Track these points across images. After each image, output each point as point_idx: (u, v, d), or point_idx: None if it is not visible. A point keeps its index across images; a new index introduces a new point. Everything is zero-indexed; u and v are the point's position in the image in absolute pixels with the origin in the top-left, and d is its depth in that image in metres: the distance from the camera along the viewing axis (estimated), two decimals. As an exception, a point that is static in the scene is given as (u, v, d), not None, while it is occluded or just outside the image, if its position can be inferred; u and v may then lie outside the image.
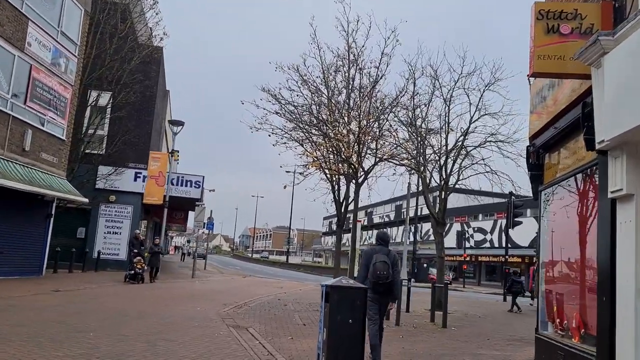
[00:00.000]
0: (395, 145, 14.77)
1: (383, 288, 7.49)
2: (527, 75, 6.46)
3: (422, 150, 16.62)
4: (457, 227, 56.38)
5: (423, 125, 16.69)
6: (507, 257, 30.69)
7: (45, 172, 18.69)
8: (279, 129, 15.33)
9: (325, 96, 15.32)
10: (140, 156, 26.88)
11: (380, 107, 14.34)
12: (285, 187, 14.79)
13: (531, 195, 17.99)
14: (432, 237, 23.99)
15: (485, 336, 11.91)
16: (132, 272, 20.46)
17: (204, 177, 28.79)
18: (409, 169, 16.31)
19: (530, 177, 8.80)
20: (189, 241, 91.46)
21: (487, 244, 53.03)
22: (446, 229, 57.99)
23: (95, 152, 25.64)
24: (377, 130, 14.22)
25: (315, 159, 14.75)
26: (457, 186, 17.81)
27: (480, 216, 55.54)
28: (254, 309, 14.69)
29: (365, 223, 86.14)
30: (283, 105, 15.41)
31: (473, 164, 17.13)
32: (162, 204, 25.15)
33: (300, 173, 16.31)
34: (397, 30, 15.28)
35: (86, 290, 16.46)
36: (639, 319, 4.95)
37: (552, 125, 7.49)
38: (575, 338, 6.78)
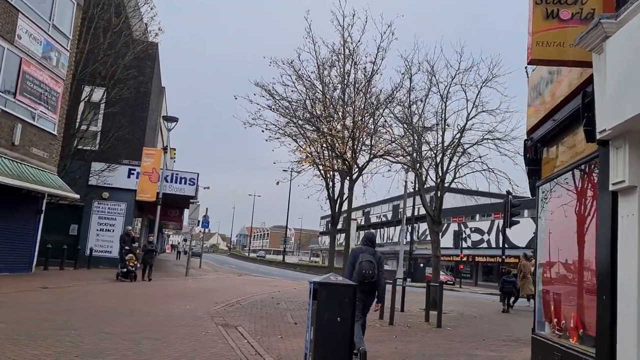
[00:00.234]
0: (390, 142, 14.49)
1: (368, 287, 7.61)
2: (526, 65, 6.19)
3: (418, 147, 16.35)
4: (454, 227, 56.14)
5: (419, 122, 16.43)
6: (504, 257, 30.42)
7: (36, 167, 18.38)
8: (273, 124, 15.06)
9: (319, 91, 15.05)
10: (134, 153, 26.58)
11: (375, 103, 14.05)
12: (277, 183, 14.49)
13: (528, 194, 17.78)
14: (429, 237, 23.82)
15: (481, 336, 11.64)
16: (125, 269, 20.14)
17: (198, 174, 28.53)
18: (404, 166, 16.03)
19: (527, 172, 8.53)
20: (185, 239, 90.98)
21: (484, 244, 52.83)
22: (443, 228, 57.80)
23: (88, 148, 25.32)
24: (372, 126, 13.93)
25: (309, 155, 14.46)
26: (453, 185, 17.54)
27: (477, 216, 55.33)
28: (245, 307, 14.41)
29: (363, 223, 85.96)
30: (277, 101, 15.13)
31: (470, 161, 16.87)
32: (155, 201, 24.84)
33: (298, 172, 16.06)
34: (393, 24, 15.00)
35: (75, 287, 16.15)
36: (641, 319, 4.69)
37: (550, 118, 7.23)
38: (573, 339, 6.51)
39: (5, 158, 16.56)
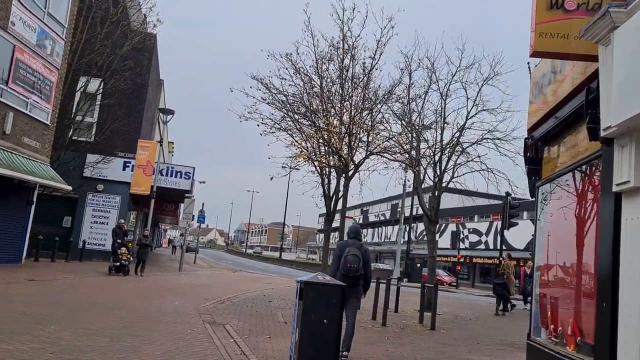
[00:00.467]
0: (387, 138, 14.17)
1: (351, 280, 7.60)
2: (529, 57, 5.86)
3: (416, 145, 16.05)
4: (452, 227, 55.86)
5: (418, 119, 16.14)
6: (501, 259, 30.10)
7: (27, 157, 18.07)
8: (269, 118, 14.75)
9: (317, 85, 14.74)
10: (129, 145, 26.24)
11: (374, 98, 13.74)
12: (271, 178, 14.15)
13: (528, 196, 17.46)
14: (426, 237, 23.48)
15: (475, 340, 11.36)
16: (118, 263, 19.80)
17: (194, 168, 28.20)
18: (402, 164, 15.72)
19: (527, 172, 8.23)
20: (182, 234, 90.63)
21: (482, 246, 52.54)
22: (441, 229, 57.53)
23: (84, 139, 25.00)
24: (370, 122, 13.62)
25: (304, 150, 14.15)
26: (452, 184, 17.23)
27: (475, 217, 55.06)
28: (236, 304, 14.12)
29: (361, 221, 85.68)
30: (274, 95, 14.82)
31: (469, 161, 16.57)
32: (149, 194, 24.54)
33: (292, 168, 15.72)
34: (393, 19, 14.65)
35: (64, 280, 15.86)
36: (643, 328, 4.40)
37: (552, 115, 6.93)
38: (570, 346, 6.22)
39: (-5, 147, 16.26)
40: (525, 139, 8.17)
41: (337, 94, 14.33)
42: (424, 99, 16.39)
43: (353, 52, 14.78)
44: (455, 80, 16.23)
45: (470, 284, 51.64)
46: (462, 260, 50.98)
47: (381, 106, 14.04)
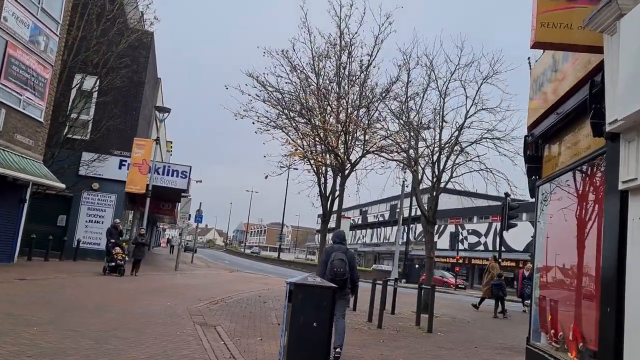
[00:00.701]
0: (384, 137, 13.90)
1: (338, 284, 7.42)
2: (529, 54, 5.61)
3: (414, 144, 15.79)
4: (451, 228, 55.62)
5: (416, 118, 15.87)
6: (500, 260, 29.84)
7: (20, 154, 17.78)
8: (265, 116, 14.48)
9: (314, 83, 14.47)
10: (125, 143, 25.95)
11: (371, 96, 13.47)
12: (266, 177, 13.88)
13: (527, 196, 17.17)
14: (424, 238, 23.14)
15: (473, 343, 11.09)
16: (113, 263, 19.43)
17: (190, 167, 27.90)
18: (399, 164, 15.45)
19: (527, 170, 7.96)
20: (180, 234, 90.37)
21: (481, 247, 52.31)
22: (440, 230, 57.29)
23: (79, 137, 24.70)
24: (367, 120, 13.35)
25: (300, 148, 13.88)
26: (450, 185, 16.96)
27: (475, 218, 54.81)
28: (229, 305, 13.85)
29: (360, 222, 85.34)
30: (270, 93, 14.55)
31: (467, 160, 16.30)
32: (144, 193, 24.26)
33: (288, 167, 15.46)
34: (392, 16, 14.38)
35: (55, 280, 15.59)
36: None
37: (553, 112, 6.66)
38: (572, 353, 5.95)
39: (-14, 144, 15.98)
40: (525, 136, 7.90)
41: (333, 91, 14.07)
42: (423, 97, 16.15)
43: (350, 49, 14.53)
44: (454, 78, 15.97)
45: (469, 285, 51.39)
46: (460, 261, 50.73)
47: (378, 104, 13.77)
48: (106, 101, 24.95)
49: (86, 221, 25.93)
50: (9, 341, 6.88)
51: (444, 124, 16.04)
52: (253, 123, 14.30)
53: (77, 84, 24.02)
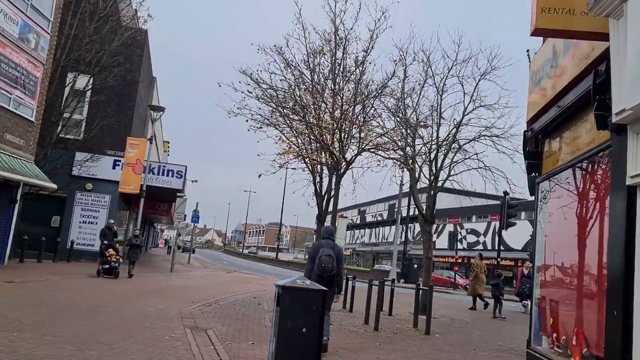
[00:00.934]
0: (380, 135, 13.58)
1: (326, 279, 7.83)
2: (528, 47, 5.29)
3: (411, 142, 15.49)
4: (449, 228, 55.35)
5: (413, 115, 15.57)
6: (499, 259, 29.61)
7: (10, 154, 17.45)
8: (259, 114, 14.16)
9: (308, 79, 14.16)
10: (119, 143, 25.62)
11: (366, 92, 13.16)
12: (259, 176, 13.56)
13: (527, 195, 16.84)
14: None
15: (471, 345, 10.79)
16: (107, 265, 19.03)
17: (186, 166, 27.58)
18: (396, 162, 15.15)
19: (526, 167, 7.67)
20: (179, 234, 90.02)
21: (480, 246, 52.03)
22: (439, 229, 57.02)
23: (72, 137, 24.36)
24: (362, 118, 13.04)
25: (294, 146, 13.56)
26: (448, 183, 16.66)
27: (473, 217, 54.56)
28: (223, 307, 13.54)
29: (359, 222, 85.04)
30: (264, 90, 14.23)
31: (466, 158, 16.00)
32: (138, 193, 23.94)
33: (294, 168, 15.16)
34: (387, 11, 14.08)
35: (46, 282, 15.27)
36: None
37: (554, 105, 6.36)
38: (576, 358, 5.65)
39: (-26, 143, 15.65)
40: (525, 131, 7.61)
41: (328, 88, 13.76)
42: (420, 94, 15.85)
43: (345, 45, 14.22)
44: (452, 74, 15.68)
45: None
46: (459, 260, 50.44)
47: (374, 101, 13.46)
48: (99, 100, 24.63)
49: (80, 222, 25.60)
50: (-15, 348, 6.57)
51: (442, 121, 15.77)
52: (247, 121, 13.97)
53: (69, 83, 23.70)
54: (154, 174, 26.26)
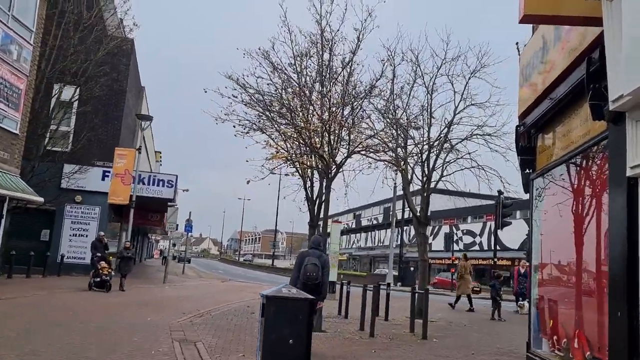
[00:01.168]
0: (370, 136, 13.33)
1: (311, 288, 7.77)
2: (517, 40, 5.03)
3: (402, 143, 15.25)
4: (445, 229, 55.12)
5: (403, 115, 15.34)
6: (495, 259, 29.39)
7: (-6, 168, 17.08)
8: (246, 119, 13.86)
9: (295, 83, 13.89)
10: (108, 154, 25.26)
11: (354, 93, 12.89)
12: (248, 182, 13.24)
13: (521, 194, 16.61)
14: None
15: (469, 349, 10.50)
16: (99, 279, 18.60)
17: (177, 176, 27.25)
18: (387, 164, 14.89)
19: (520, 163, 7.42)
20: (174, 244, 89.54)
21: (477, 247, 51.84)
22: (434, 231, 56.81)
23: (59, 149, 23.99)
24: (351, 119, 12.77)
25: (283, 150, 13.27)
26: (441, 184, 16.41)
27: (469, 218, 54.36)
28: (215, 318, 13.21)
29: (354, 226, 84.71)
30: (251, 95, 13.94)
31: (458, 158, 15.77)
32: (128, 204, 23.58)
33: (288, 174, 14.86)
34: (374, 11, 13.85)
35: (33, 297, 14.89)
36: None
37: (546, 97, 6.12)
38: (578, 361, 5.37)
39: (-44, 158, 15.28)
40: (517, 126, 7.36)
41: (315, 90, 13.50)
42: (409, 94, 15.64)
43: (332, 46, 13.97)
44: (441, 73, 15.49)
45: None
46: (456, 262, 50.18)
47: (362, 102, 13.21)
48: (86, 111, 24.29)
49: (70, 235, 25.21)
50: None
51: (433, 120, 15.55)
52: (234, 127, 13.66)
53: (55, 94, 23.37)
54: (144, 184, 25.91)
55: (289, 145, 13.73)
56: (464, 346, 10.83)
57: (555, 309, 6.40)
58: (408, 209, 19.09)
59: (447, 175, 15.93)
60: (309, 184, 15.06)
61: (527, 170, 7.60)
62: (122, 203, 24.03)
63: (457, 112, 15.57)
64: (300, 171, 14.32)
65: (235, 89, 13.85)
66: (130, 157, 23.74)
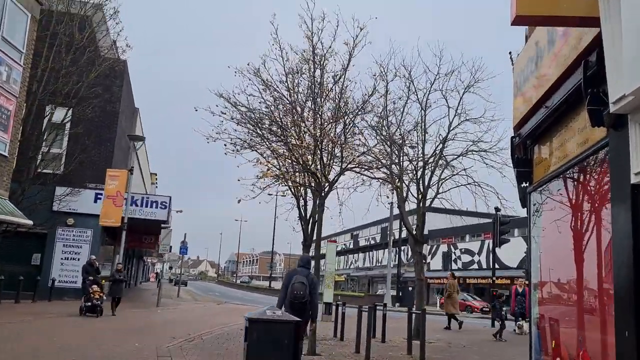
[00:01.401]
0: (362, 153, 13.06)
1: (298, 307, 7.75)
2: (511, 24, 4.76)
3: (397, 160, 15.00)
4: (443, 248, 54.68)
5: (398, 131, 15.13)
6: (494, 278, 28.94)
7: (-19, 191, 16.77)
8: (238, 138, 13.57)
9: (287, 100, 13.65)
10: (100, 176, 24.90)
11: (344, 109, 12.65)
12: (239, 201, 12.91)
13: (518, 212, 16.30)
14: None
15: (470, 372, 10.11)
16: (89, 303, 18.11)
17: (170, 197, 26.93)
18: (381, 181, 14.61)
19: (516, 176, 7.14)
20: (170, 267, 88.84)
21: (475, 266, 51.33)
22: (432, 250, 56.35)
23: (50, 171, 23.68)
24: (343, 136, 12.50)
25: (274, 168, 12.97)
26: (437, 200, 16.13)
27: (467, 237, 53.92)
28: (206, 342, 12.79)
29: (352, 246, 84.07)
30: (243, 113, 13.68)
31: (454, 174, 15.54)
32: (120, 226, 23.19)
33: (282, 194, 14.52)
34: (365, 28, 13.67)
35: (18, 324, 14.41)
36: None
37: (541, 105, 5.86)
38: (584, 385, 5.03)
39: (-59, 181, 14.96)
40: (512, 137, 7.09)
41: (307, 107, 13.25)
42: (403, 111, 15.44)
43: (323, 62, 13.76)
44: (435, 88, 15.34)
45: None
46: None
47: (354, 117, 12.97)
48: (78, 133, 24.05)
49: (62, 258, 24.78)
50: None
51: (427, 136, 15.34)
52: (225, 145, 13.35)
53: (47, 116, 23.15)
54: (136, 205, 25.58)
55: (280, 163, 13.44)
56: (463, 369, 10.45)
57: (557, 328, 6.06)
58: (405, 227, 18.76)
59: (443, 192, 15.68)
60: (302, 202, 14.76)
61: (524, 184, 7.32)
62: (114, 225, 23.64)
63: (451, 127, 15.40)
64: (292, 189, 14.02)
65: (227, 107, 13.60)
66: (122, 179, 23.42)
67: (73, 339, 12.09)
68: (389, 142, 14.66)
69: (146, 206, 26.29)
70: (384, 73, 14.50)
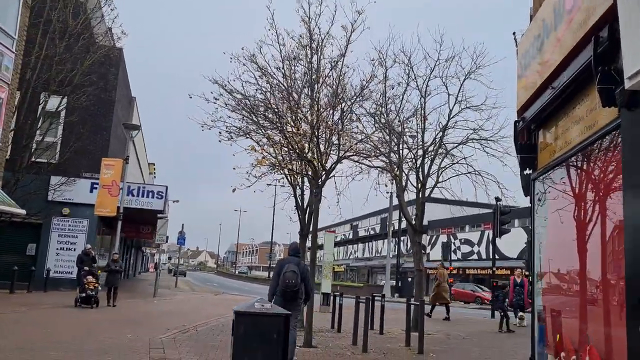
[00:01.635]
0: (360, 140, 12.74)
1: (290, 295, 7.95)
2: (516, 35, 4.46)
3: (396, 148, 14.69)
4: (443, 238, 54.46)
5: (397, 119, 14.81)
6: (494, 269, 28.73)
7: (-28, 180, 16.47)
8: (233, 125, 13.24)
9: (284, 87, 13.31)
10: (96, 165, 24.54)
11: (342, 95, 12.31)
12: (234, 190, 12.60)
13: (518, 201, 15.98)
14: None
15: (469, 364, 9.87)
16: (84, 294, 17.81)
17: (167, 187, 26.61)
18: (380, 170, 14.30)
19: (519, 162, 6.83)
20: (169, 258, 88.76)
21: (475, 256, 51.18)
22: (432, 240, 56.15)
23: (45, 160, 23.36)
24: (340, 123, 12.18)
25: (270, 155, 12.66)
26: (437, 190, 15.83)
27: (467, 227, 53.72)
28: (200, 333, 12.56)
29: (351, 237, 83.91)
30: (239, 100, 13.34)
31: (454, 163, 15.24)
32: (115, 216, 22.92)
33: (277, 184, 14.23)
34: (364, 12, 13.30)
35: (10, 314, 14.19)
36: None
37: (547, 87, 5.55)
38: (591, 381, 4.75)
39: None
40: (515, 122, 6.78)
41: (304, 94, 12.92)
42: (402, 98, 15.12)
43: (321, 49, 13.41)
44: (435, 75, 15.00)
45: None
46: (454, 272, 49.47)
47: (352, 104, 12.64)
48: (73, 121, 23.70)
49: (57, 249, 24.53)
50: None
51: (427, 124, 15.02)
52: (220, 133, 13.02)
53: (41, 104, 22.82)
54: (133, 195, 25.30)
55: (277, 151, 13.13)
56: (463, 361, 10.21)
57: (562, 321, 5.79)
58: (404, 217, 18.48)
59: (442, 181, 15.39)
60: (299, 192, 14.47)
61: (527, 171, 7.02)
62: (109, 215, 23.36)
63: (452, 115, 15.09)
64: (289, 178, 13.72)
65: (221, 94, 13.26)
66: (117, 168, 23.09)
67: (66, 330, 11.85)
68: (387, 130, 14.35)
69: (142, 196, 26.01)
70: (382, 59, 14.17)
